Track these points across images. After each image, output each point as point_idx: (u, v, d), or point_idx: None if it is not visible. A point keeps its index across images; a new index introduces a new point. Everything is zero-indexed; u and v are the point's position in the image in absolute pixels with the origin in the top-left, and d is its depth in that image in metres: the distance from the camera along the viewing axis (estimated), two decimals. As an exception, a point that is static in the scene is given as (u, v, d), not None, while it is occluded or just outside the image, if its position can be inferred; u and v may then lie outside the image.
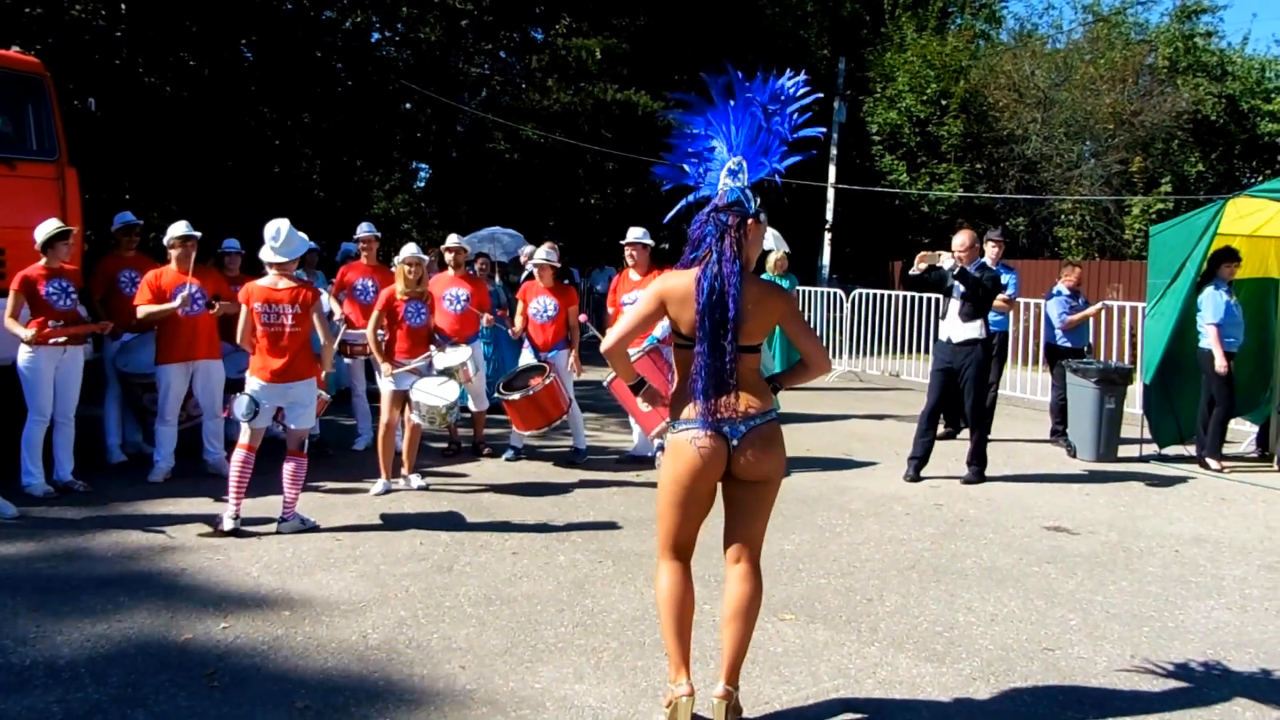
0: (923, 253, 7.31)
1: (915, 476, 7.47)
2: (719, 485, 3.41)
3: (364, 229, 8.44)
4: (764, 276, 12.42)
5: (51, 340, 6.19)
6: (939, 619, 4.54)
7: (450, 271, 8.14)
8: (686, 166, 3.50)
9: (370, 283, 8.13)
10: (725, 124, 3.40)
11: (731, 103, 3.38)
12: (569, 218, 22.35)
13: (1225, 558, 5.67)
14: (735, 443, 3.28)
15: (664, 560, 3.43)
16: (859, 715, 3.55)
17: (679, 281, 3.32)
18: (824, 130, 3.38)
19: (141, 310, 6.71)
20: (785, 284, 12.40)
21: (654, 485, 6.98)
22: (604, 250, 20.43)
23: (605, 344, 3.50)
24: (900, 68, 22.72)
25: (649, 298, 3.40)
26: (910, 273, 7.34)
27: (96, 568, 4.97)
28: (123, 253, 7.56)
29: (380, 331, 6.80)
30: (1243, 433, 9.31)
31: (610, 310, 7.92)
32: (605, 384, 7.22)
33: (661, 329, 7.31)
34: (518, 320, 7.99)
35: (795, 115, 3.37)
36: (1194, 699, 3.75)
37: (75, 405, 6.52)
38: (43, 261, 6.29)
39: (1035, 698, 3.72)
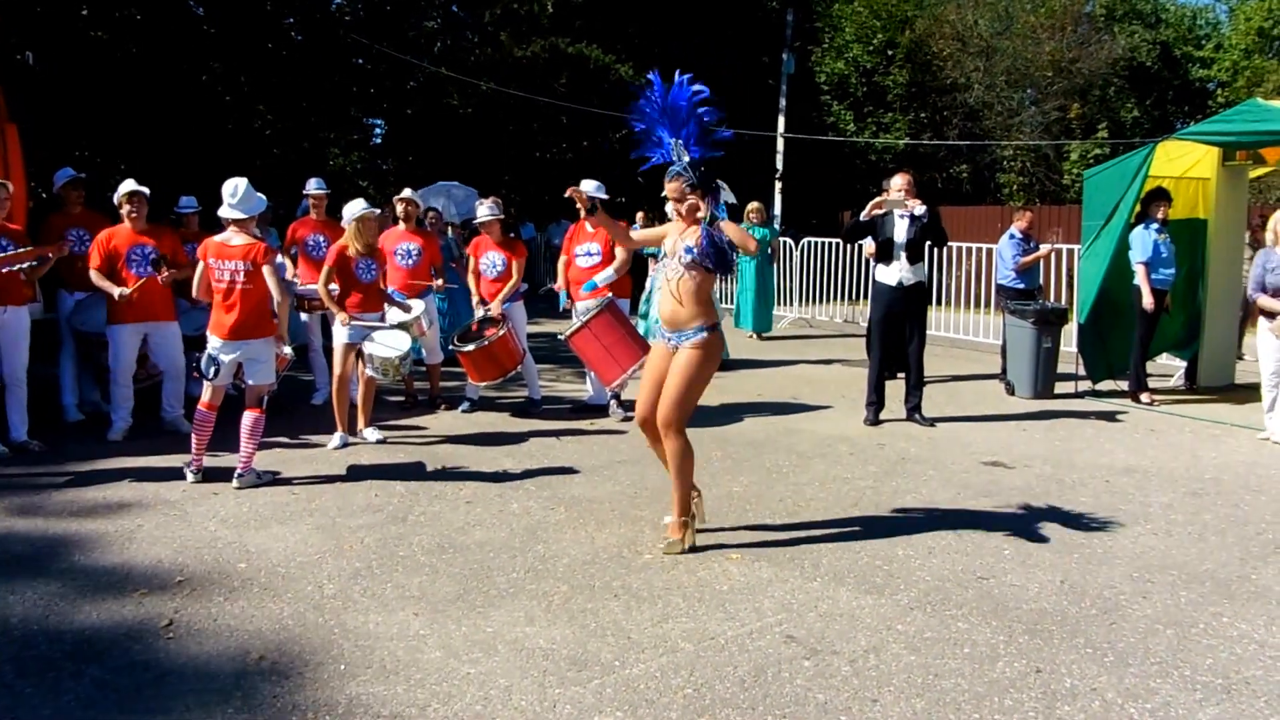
0: (879, 199, 7.36)
1: (876, 420, 7.56)
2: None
3: (313, 185, 8.37)
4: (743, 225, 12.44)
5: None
6: (879, 553, 4.70)
7: (401, 226, 8.12)
8: (654, 138, 4.70)
9: (321, 238, 8.06)
10: (661, 115, 4.61)
11: (661, 101, 4.56)
12: (524, 172, 22.14)
13: (1153, 486, 5.92)
14: None
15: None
16: (800, 647, 3.68)
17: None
18: (732, 132, 4.80)
19: (93, 276, 6.62)
20: (762, 233, 12.46)
21: (608, 433, 7.15)
22: (561, 204, 20.28)
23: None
24: (847, 18, 22.73)
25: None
26: (861, 218, 7.36)
27: (51, 526, 4.96)
28: (70, 210, 7.41)
29: (332, 285, 6.78)
30: (1173, 367, 9.65)
31: (564, 258, 7.90)
32: (562, 337, 7.25)
33: (603, 277, 7.36)
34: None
35: (706, 114, 4.53)
36: (1118, 619, 3.95)
37: (24, 366, 6.40)
38: None
39: (970, 624, 3.88)
